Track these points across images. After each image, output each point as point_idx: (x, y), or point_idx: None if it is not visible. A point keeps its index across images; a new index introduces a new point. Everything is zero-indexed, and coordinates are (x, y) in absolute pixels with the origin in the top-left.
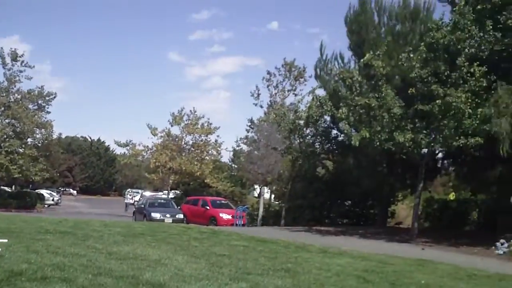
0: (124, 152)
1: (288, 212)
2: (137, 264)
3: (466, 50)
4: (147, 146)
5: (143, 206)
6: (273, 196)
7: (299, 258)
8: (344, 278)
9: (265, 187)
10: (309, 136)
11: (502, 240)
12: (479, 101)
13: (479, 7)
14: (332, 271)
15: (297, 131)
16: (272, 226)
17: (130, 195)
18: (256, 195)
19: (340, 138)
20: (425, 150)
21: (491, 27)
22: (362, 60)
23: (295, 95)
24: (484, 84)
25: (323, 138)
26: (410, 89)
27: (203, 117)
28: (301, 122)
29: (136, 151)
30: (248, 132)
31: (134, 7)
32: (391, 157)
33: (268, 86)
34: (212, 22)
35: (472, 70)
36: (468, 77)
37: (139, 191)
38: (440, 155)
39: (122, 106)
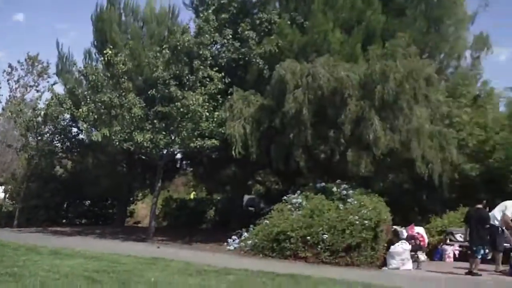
0: None
1: (22, 213)
2: None
3: (207, 55)
4: None
5: None
6: (7, 196)
7: (27, 261)
8: (73, 280)
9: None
10: (48, 134)
11: (234, 237)
12: (216, 105)
13: (223, 15)
14: (60, 273)
15: (34, 128)
16: (3, 228)
17: None
18: None
19: (80, 137)
20: (164, 151)
21: (230, 36)
22: (104, 57)
23: (38, 91)
24: (220, 87)
25: (63, 136)
26: (151, 90)
27: None
28: (40, 119)
29: None
30: None
31: None
32: (131, 156)
33: (8, 80)
34: None
35: (209, 74)
36: (207, 82)
37: None
38: (179, 155)
39: None
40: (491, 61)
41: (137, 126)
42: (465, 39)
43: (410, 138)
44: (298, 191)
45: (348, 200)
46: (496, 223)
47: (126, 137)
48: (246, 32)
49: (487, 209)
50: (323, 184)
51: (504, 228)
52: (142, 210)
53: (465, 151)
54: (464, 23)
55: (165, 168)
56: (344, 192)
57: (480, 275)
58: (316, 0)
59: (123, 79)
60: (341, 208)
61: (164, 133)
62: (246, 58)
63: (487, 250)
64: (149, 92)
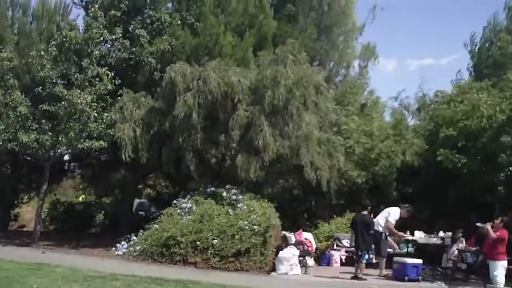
0: None
1: None
2: None
3: (96, 53)
4: None
5: None
6: None
7: None
8: None
9: None
10: None
11: (123, 242)
12: (105, 105)
13: (112, 12)
14: None
15: None
16: None
17: None
18: None
19: None
20: (51, 152)
21: (120, 34)
22: None
23: None
24: (110, 88)
25: None
26: (37, 88)
27: None
28: None
29: None
30: None
31: None
32: (16, 157)
33: None
34: None
35: (99, 73)
36: (96, 81)
37: None
38: (67, 157)
39: None
40: (378, 71)
41: (22, 126)
42: (354, 48)
43: (299, 144)
44: (188, 196)
45: (238, 205)
46: (380, 229)
47: (11, 136)
48: (137, 31)
49: (372, 215)
50: (213, 188)
51: (387, 233)
52: (28, 213)
53: (352, 158)
54: (353, 33)
55: (52, 170)
56: (234, 197)
57: (365, 279)
58: (208, 2)
59: (8, 76)
60: (231, 213)
61: (50, 133)
62: (138, 58)
63: (371, 255)
64: (35, 90)
